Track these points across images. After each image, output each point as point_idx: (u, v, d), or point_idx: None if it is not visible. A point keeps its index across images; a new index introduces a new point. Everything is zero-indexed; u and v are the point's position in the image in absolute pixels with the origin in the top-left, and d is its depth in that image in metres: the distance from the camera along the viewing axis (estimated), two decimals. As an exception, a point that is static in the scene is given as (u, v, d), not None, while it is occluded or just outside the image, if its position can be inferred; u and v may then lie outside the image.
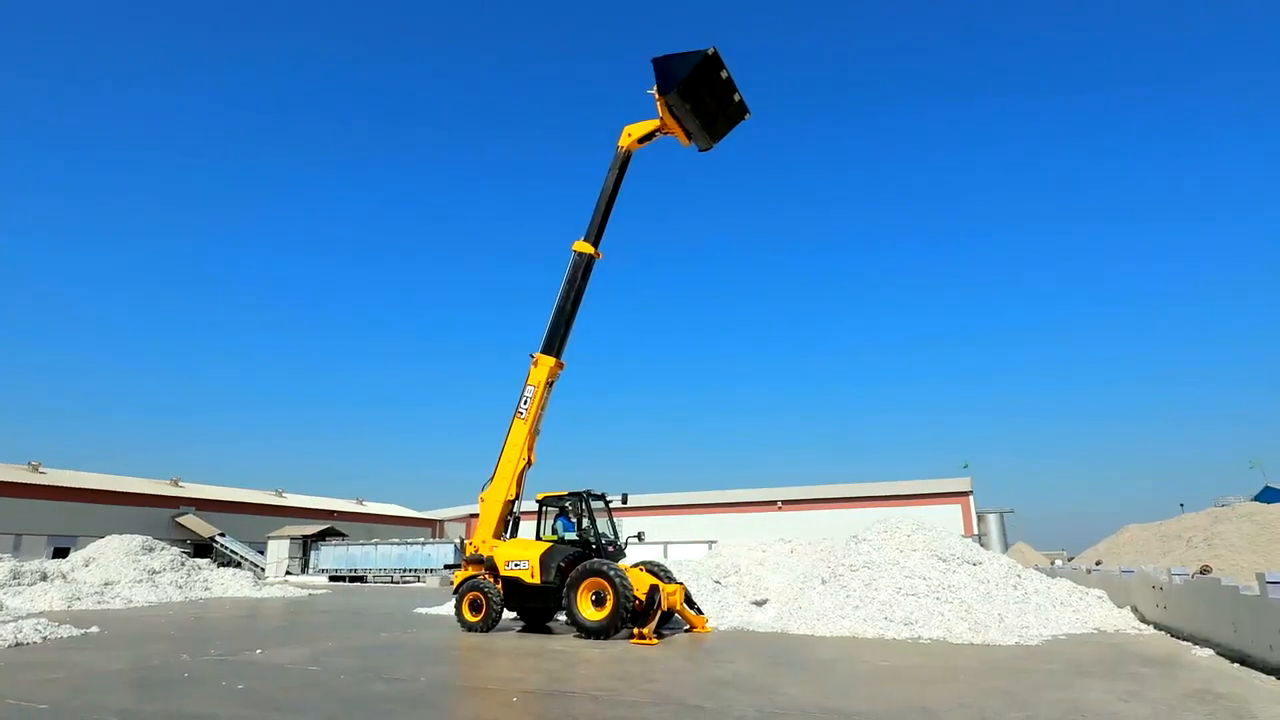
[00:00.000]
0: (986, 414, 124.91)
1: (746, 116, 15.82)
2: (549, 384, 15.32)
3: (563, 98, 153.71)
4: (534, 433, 15.16)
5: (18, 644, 11.70)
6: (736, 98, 15.30)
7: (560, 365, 15.47)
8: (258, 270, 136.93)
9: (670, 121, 15.26)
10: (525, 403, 15.10)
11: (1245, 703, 6.99)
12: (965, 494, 48.59)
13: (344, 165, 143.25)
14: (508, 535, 14.92)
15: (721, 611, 15.50)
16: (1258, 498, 38.73)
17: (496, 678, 8.76)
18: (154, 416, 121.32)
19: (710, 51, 14.29)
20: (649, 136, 15.63)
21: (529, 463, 15.09)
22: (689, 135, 15.72)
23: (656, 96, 14.98)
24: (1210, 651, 10.26)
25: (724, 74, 14.80)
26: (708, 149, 16.27)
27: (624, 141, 15.71)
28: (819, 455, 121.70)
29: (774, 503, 53.86)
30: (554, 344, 15.36)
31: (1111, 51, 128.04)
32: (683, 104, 14.84)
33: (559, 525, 14.62)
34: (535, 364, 15.30)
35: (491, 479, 15.02)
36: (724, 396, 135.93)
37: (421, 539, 45.02)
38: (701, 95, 14.95)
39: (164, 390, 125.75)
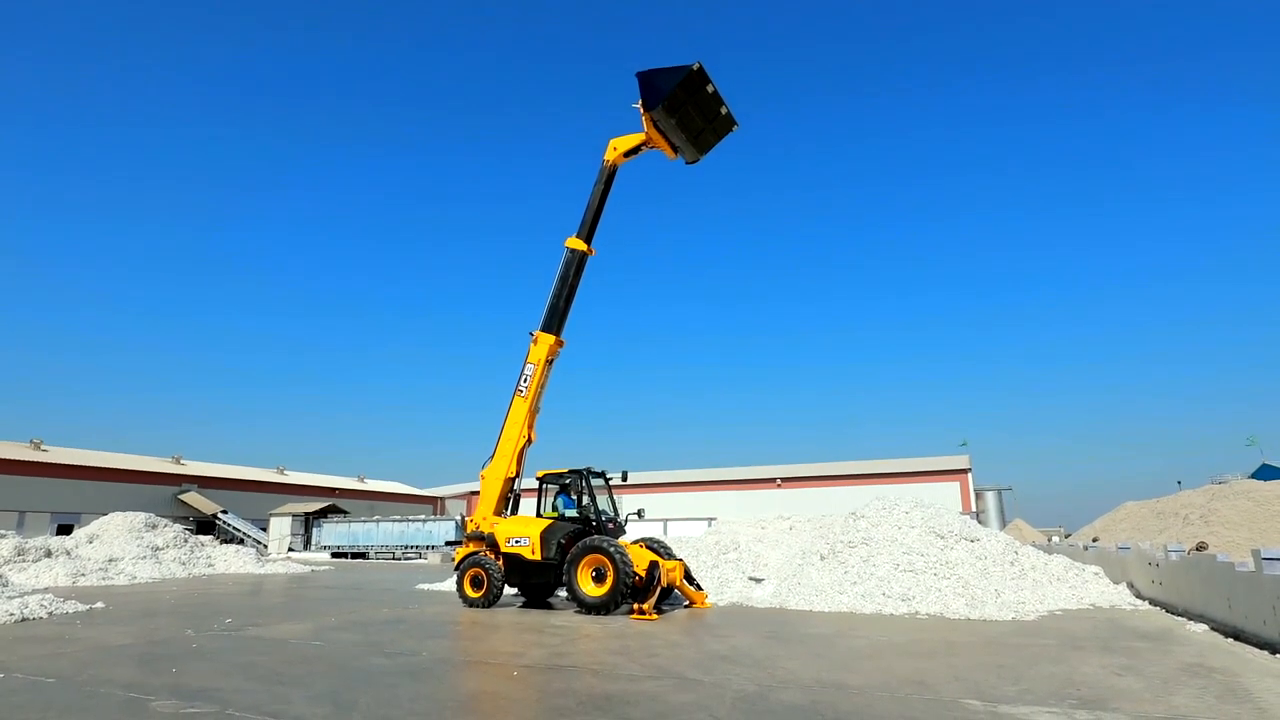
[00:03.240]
0: (985, 392, 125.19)
1: (734, 128, 15.68)
2: (549, 362, 15.33)
3: (563, 75, 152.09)
4: (534, 410, 15.19)
5: (24, 619, 11.81)
6: (724, 110, 15.17)
7: (560, 343, 15.47)
8: (259, 249, 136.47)
9: (656, 135, 15.15)
10: (525, 381, 15.12)
11: (1237, 676, 7.07)
12: (963, 471, 48.80)
13: (344, 146, 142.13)
14: (508, 512, 15.01)
15: (721, 587, 15.63)
16: (1255, 475, 38.85)
17: (498, 652, 8.85)
18: (154, 394, 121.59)
19: (695, 67, 14.13)
20: (635, 150, 15.52)
21: (529, 440, 15.14)
22: (675, 149, 15.64)
23: (641, 111, 14.85)
24: (1204, 627, 10.37)
25: (710, 88, 14.64)
26: (695, 161, 16.18)
27: (609, 155, 15.61)
28: (818, 433, 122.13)
29: (773, 480, 54.12)
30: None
31: (1111, 33, 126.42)
32: (668, 119, 14.71)
33: (559, 502, 14.70)
34: (535, 342, 15.30)
35: (492, 457, 15.09)
36: (724, 374, 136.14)
37: (423, 516, 45.26)
38: (687, 109, 14.82)
39: (164, 368, 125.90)
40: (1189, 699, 6.14)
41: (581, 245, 15.54)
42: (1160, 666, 7.59)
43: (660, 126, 14.92)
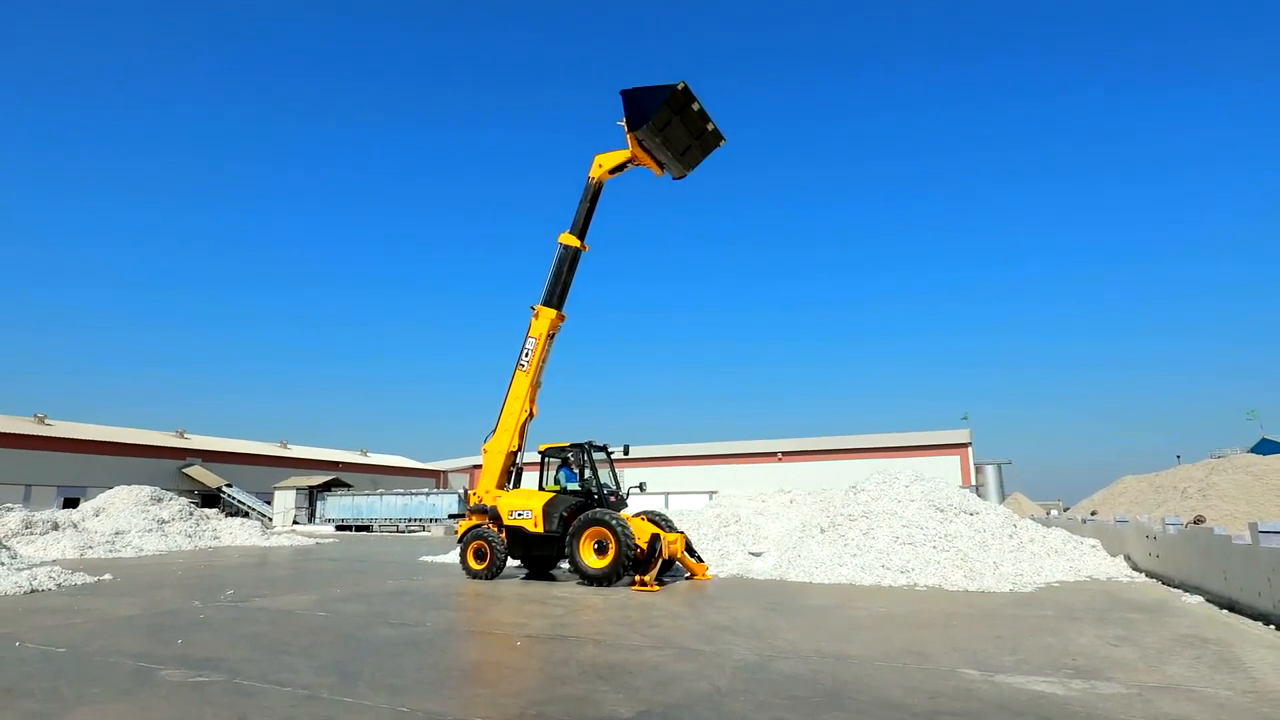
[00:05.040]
0: (986, 367, 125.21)
1: (721, 144, 15.64)
2: (550, 336, 15.34)
3: (569, 53, 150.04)
4: (535, 385, 15.24)
5: (33, 591, 11.96)
6: (710, 127, 15.14)
7: (561, 317, 15.47)
8: (261, 226, 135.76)
9: (641, 154, 15.11)
10: (526, 355, 15.14)
11: (1231, 646, 7.16)
12: (964, 445, 49.01)
13: (346, 124, 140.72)
14: (511, 486, 15.12)
15: (721, 560, 15.78)
16: (1254, 449, 39.03)
17: (501, 623, 8.97)
18: (155, 369, 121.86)
19: (680, 87, 14.07)
20: (620, 167, 15.42)
21: (531, 415, 15.21)
22: (662, 165, 15.62)
23: (626, 129, 14.76)
24: (1200, 598, 10.49)
25: (695, 106, 14.59)
26: (682, 177, 16.15)
27: (594, 172, 15.52)
28: (819, 407, 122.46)
29: (774, 454, 54.38)
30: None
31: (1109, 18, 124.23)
32: (653, 138, 14.68)
33: (561, 476, 14.78)
34: (536, 316, 15.29)
35: (494, 431, 15.16)
36: (725, 348, 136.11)
37: (426, 490, 45.57)
38: (673, 127, 14.78)
39: (165, 344, 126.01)
40: (1183, 669, 6.23)
41: (574, 241, 15.54)
42: (1155, 637, 7.68)
43: (645, 145, 14.92)
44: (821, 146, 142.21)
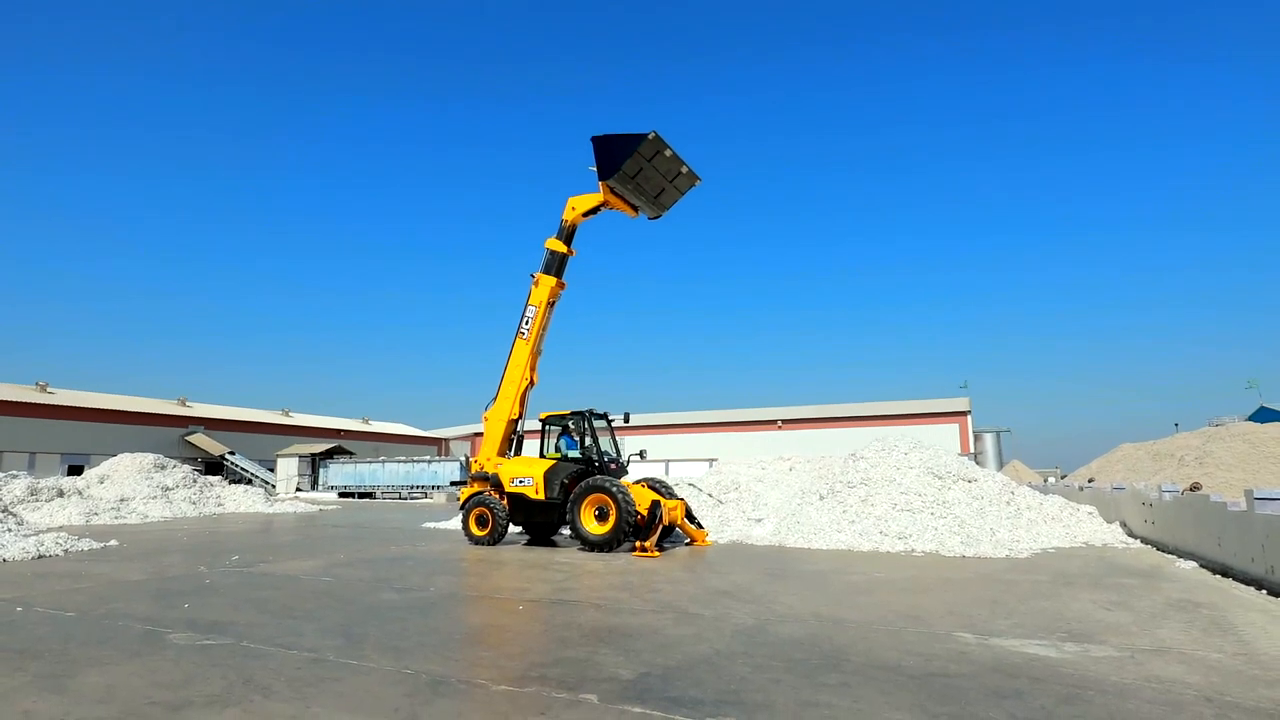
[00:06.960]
0: (986, 334, 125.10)
1: (697, 183, 15.46)
2: (550, 304, 15.30)
3: (574, 23, 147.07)
4: (536, 353, 15.25)
5: (40, 556, 12.09)
6: (684, 170, 14.99)
7: (561, 285, 15.42)
8: (262, 192, 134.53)
9: (614, 199, 15.00)
10: (526, 323, 15.13)
11: (1223, 611, 7.25)
12: (963, 414, 49.14)
13: (345, 91, 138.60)
14: (512, 453, 15.20)
15: (721, 526, 15.91)
16: (1252, 418, 39.16)
17: (503, 587, 9.08)
18: (157, 338, 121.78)
19: (650, 136, 13.92)
20: (594, 210, 15.25)
21: (531, 383, 15.25)
22: (636, 209, 15.51)
23: (598, 176, 14.61)
24: (1193, 564, 10.60)
25: (668, 152, 14.39)
26: (657, 218, 16.00)
27: (568, 215, 15.38)
28: (819, 375, 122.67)
29: (774, 422, 54.57)
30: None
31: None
32: (625, 185, 14.55)
33: (562, 443, 14.86)
34: (536, 284, 15.24)
35: (495, 399, 15.21)
36: (725, 317, 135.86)
37: (428, 457, 45.86)
38: (645, 173, 14.64)
39: (167, 312, 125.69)
40: (1175, 632, 6.32)
41: (561, 248, 15.44)
42: (1149, 602, 7.77)
43: (618, 191, 14.79)
44: (817, 116, 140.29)
